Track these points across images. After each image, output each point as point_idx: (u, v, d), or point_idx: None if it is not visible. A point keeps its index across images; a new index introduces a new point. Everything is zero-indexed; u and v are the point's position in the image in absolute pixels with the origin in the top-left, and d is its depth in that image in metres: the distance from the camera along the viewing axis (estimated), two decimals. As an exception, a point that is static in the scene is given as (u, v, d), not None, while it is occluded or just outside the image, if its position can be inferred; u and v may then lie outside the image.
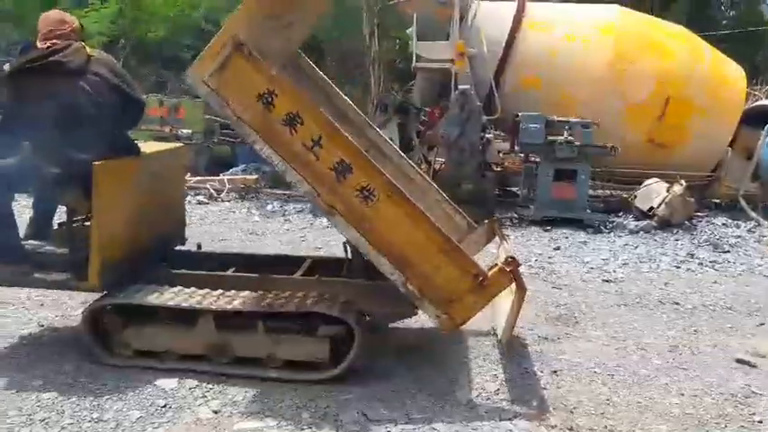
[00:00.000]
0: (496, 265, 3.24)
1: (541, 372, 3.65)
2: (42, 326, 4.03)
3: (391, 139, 9.68)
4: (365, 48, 12.91)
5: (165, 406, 3.07)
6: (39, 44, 3.56)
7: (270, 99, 3.10)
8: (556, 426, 3.06)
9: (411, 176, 4.22)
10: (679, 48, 9.10)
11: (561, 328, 4.35)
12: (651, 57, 8.88)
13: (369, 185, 3.12)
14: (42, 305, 4.36)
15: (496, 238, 4.05)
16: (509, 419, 3.09)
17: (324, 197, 3.14)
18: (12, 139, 3.59)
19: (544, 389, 3.44)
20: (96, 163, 3.31)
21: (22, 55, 3.61)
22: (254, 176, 9.69)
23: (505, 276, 3.17)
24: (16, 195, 3.78)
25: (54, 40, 3.53)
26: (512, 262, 3.19)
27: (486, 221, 4.16)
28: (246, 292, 3.50)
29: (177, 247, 4.27)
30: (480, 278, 3.14)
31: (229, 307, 3.35)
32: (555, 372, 3.65)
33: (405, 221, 3.15)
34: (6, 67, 3.60)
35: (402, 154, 4.47)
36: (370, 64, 12.91)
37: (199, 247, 4.29)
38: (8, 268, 3.47)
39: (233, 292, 3.52)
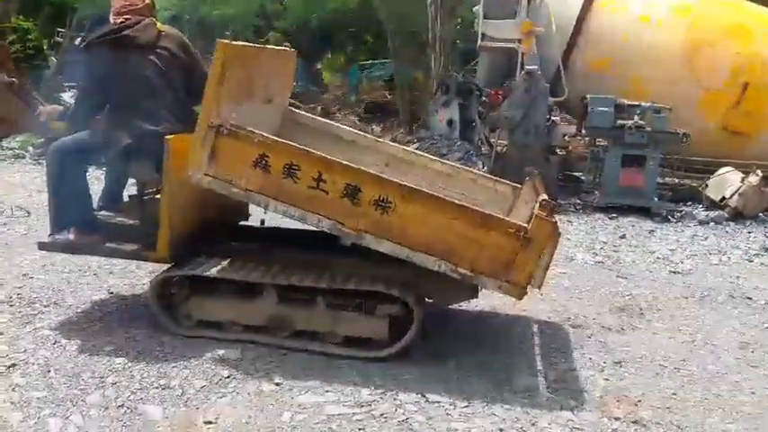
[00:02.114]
0: (533, 214, 3.18)
1: (604, 362, 3.56)
2: (112, 293, 4.18)
3: (451, 120, 9.63)
4: (428, 28, 12.74)
5: (228, 376, 3.14)
6: (112, 19, 3.65)
7: (264, 161, 3.21)
8: (619, 418, 2.98)
9: (437, 168, 4.26)
10: (760, 30, 8.62)
11: (626, 319, 4.22)
12: (729, 40, 8.44)
13: (381, 195, 3.16)
14: (111, 273, 4.51)
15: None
16: (570, 409, 3.03)
17: (347, 224, 3.20)
18: (85, 111, 3.71)
19: (607, 380, 3.36)
20: (168, 137, 3.38)
21: (93, 29, 3.71)
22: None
23: (545, 222, 3.11)
24: (88, 167, 3.90)
25: (126, 15, 3.61)
26: (545, 205, 3.13)
27: (527, 178, 4.07)
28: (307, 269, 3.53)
29: (241, 222, 4.33)
30: (522, 233, 3.10)
31: (290, 282, 3.39)
32: (619, 363, 3.56)
33: (428, 213, 3.16)
34: (78, 41, 3.72)
35: (420, 153, 4.52)
36: (431, 44, 12.74)
37: (262, 222, 4.35)
38: (82, 237, 3.61)
39: (294, 267, 3.56)
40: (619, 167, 7.50)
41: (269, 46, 4.00)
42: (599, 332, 3.98)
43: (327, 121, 4.46)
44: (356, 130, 4.52)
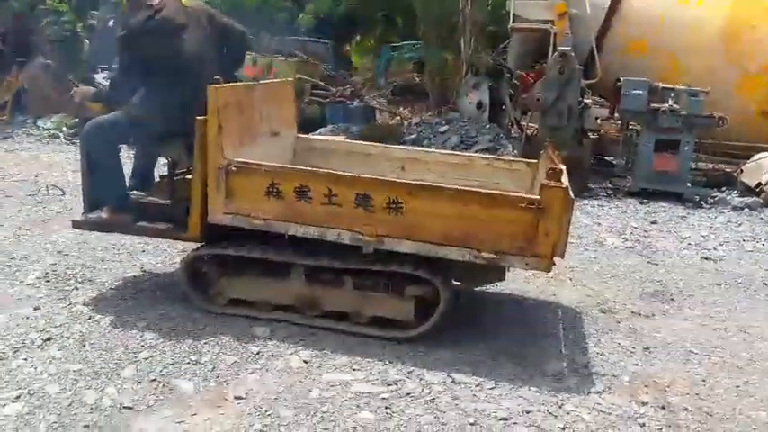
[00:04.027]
0: (542, 184, 3.16)
1: (634, 348, 3.53)
2: (144, 271, 4.26)
3: (480, 103, 9.54)
4: (458, 9, 12.58)
5: (258, 353, 3.19)
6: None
7: (276, 189, 3.32)
8: (647, 403, 2.96)
9: (450, 161, 4.30)
10: (804, 11, 8.36)
11: (656, 305, 4.18)
12: (771, 21, 8.21)
13: (390, 197, 3.20)
14: (144, 251, 4.59)
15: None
16: (598, 393, 3.02)
17: (367, 233, 3.25)
18: (121, 93, 3.76)
19: (636, 365, 3.33)
20: (199, 118, 3.41)
21: (130, 13, 3.74)
22: (343, 136, 9.76)
23: (554, 190, 3.07)
24: (121, 147, 3.96)
25: None
26: (552, 174, 3.09)
27: (542, 151, 4.02)
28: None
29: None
30: (533, 204, 3.08)
31: (319, 263, 3.42)
32: (648, 349, 3.53)
33: (439, 204, 3.18)
34: (111, 23, 3.75)
35: (431, 150, 4.65)
36: (461, 26, 12.59)
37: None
38: (114, 216, 3.67)
39: (323, 247, 3.58)
40: (652, 152, 7.36)
41: (261, 81, 4.19)
42: (629, 317, 3.94)
43: (339, 139, 4.64)
44: (368, 143, 4.64)
